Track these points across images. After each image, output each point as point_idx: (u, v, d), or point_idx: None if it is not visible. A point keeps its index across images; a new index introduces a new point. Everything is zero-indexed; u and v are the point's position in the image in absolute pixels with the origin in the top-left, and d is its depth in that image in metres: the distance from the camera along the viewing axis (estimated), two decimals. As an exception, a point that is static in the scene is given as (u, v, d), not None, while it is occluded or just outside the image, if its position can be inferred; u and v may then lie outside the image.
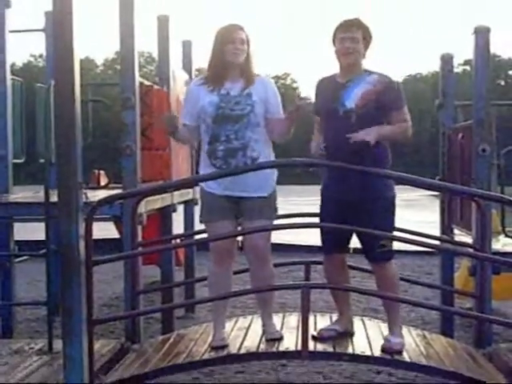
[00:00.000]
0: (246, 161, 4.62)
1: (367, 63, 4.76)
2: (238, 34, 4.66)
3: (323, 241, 4.82)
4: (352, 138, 4.46)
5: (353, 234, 4.70)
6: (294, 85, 69.46)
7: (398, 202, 4.82)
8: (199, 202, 5.05)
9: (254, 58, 4.75)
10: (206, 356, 4.56)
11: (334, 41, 4.73)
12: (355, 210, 4.63)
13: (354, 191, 4.62)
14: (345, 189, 4.65)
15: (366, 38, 4.69)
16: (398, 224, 4.81)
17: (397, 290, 4.80)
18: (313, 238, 4.86)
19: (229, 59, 4.65)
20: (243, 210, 4.72)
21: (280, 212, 4.96)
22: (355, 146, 4.48)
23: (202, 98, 4.70)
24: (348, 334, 4.84)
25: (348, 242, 4.81)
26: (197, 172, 5.11)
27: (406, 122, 4.67)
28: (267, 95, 4.71)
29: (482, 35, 5.44)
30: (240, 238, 4.87)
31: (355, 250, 4.92)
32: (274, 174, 4.78)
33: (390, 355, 4.51)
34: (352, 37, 4.63)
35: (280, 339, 4.70)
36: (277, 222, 4.95)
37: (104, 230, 8.08)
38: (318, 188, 4.88)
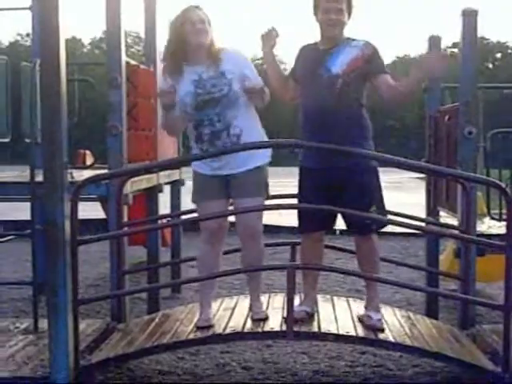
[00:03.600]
0: (230, 140, 4.59)
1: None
2: (196, 13, 4.56)
3: (302, 218, 4.79)
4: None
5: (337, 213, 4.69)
6: (282, 66, 69.16)
7: (384, 184, 4.83)
8: (185, 183, 5.05)
9: (217, 38, 4.63)
10: (192, 336, 4.58)
11: (315, 9, 4.67)
12: (340, 181, 4.60)
13: (337, 161, 4.58)
14: (328, 159, 4.61)
15: (349, 6, 4.64)
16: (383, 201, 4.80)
17: (378, 265, 4.84)
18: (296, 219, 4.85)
19: (190, 40, 4.53)
20: (232, 188, 4.70)
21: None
22: (338, 113, 4.47)
23: (177, 89, 4.59)
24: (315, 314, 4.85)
25: (332, 219, 4.78)
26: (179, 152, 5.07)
27: (393, 85, 4.59)
28: (241, 69, 4.59)
29: (469, 18, 5.42)
30: (232, 218, 4.87)
31: (342, 232, 4.94)
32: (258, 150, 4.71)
33: (375, 335, 4.54)
34: (337, 8, 4.58)
35: (265, 319, 4.72)
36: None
37: (91, 210, 8.08)
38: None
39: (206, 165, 4.68)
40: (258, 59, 67.00)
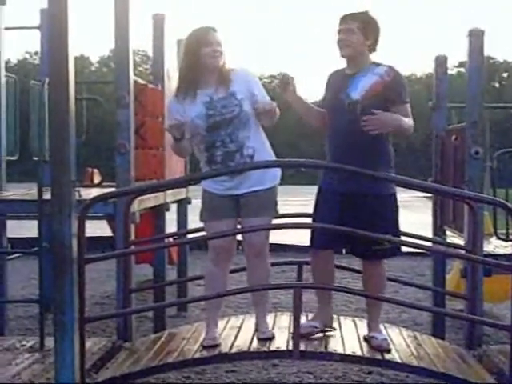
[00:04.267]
0: (244, 160, 4.59)
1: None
2: (214, 36, 4.58)
3: (315, 235, 4.77)
4: (367, 125, 4.40)
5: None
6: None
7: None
8: (192, 201, 5.05)
9: (228, 59, 4.63)
10: (198, 355, 4.56)
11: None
12: (354, 205, 4.59)
13: (353, 185, 4.58)
14: (343, 182, 4.61)
15: (367, 28, 4.62)
16: (398, 227, 4.79)
17: (384, 289, 4.85)
18: (305, 238, 4.86)
19: (207, 62, 4.55)
20: (242, 207, 4.69)
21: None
22: (359, 139, 4.48)
23: (186, 112, 4.60)
24: (329, 331, 4.83)
25: (343, 239, 4.74)
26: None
27: (409, 117, 4.61)
28: (250, 89, 4.61)
29: (476, 38, 5.45)
30: (239, 237, 4.88)
31: (347, 251, 4.93)
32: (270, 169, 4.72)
33: (381, 355, 4.53)
34: (347, 28, 4.60)
35: (271, 338, 4.70)
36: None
37: (98, 228, 8.09)
38: (310, 188, 4.89)
39: (218, 184, 4.67)
40: (266, 77, 67.27)
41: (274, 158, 4.79)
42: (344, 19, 4.64)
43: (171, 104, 4.80)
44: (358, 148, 4.53)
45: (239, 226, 4.83)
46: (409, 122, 4.59)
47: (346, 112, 4.56)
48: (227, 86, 4.59)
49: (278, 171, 4.76)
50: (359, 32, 4.61)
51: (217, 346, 4.64)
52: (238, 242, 4.87)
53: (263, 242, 4.73)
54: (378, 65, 4.64)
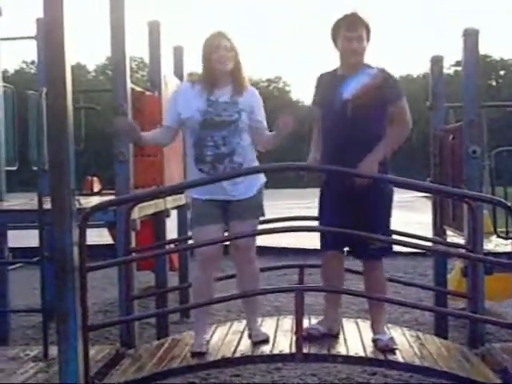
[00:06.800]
0: (232, 166, 4.63)
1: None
2: (222, 41, 4.64)
3: (324, 236, 4.81)
4: (357, 183, 4.53)
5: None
6: (287, 88, 69.49)
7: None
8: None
9: (242, 65, 4.71)
10: (201, 360, 4.58)
11: (335, 36, 4.71)
12: (352, 204, 4.63)
13: (352, 184, 4.61)
14: (344, 181, 4.66)
15: (368, 33, 4.68)
16: (390, 226, 4.83)
17: (386, 290, 4.89)
18: (307, 241, 4.87)
19: (216, 67, 4.65)
20: (229, 213, 4.73)
21: (272, 215, 4.98)
22: (353, 137, 4.52)
23: (191, 102, 4.67)
24: (333, 335, 4.84)
25: (346, 240, 4.76)
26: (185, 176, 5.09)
27: (403, 115, 4.64)
28: (253, 106, 4.71)
29: (471, 37, 5.47)
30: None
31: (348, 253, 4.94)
32: (258, 176, 4.78)
33: (384, 356, 4.54)
34: (358, 36, 4.62)
35: (266, 340, 4.73)
36: (269, 225, 4.99)
37: (98, 235, 8.11)
38: (309, 191, 4.91)
39: (201, 188, 4.69)
40: (263, 81, 67.12)
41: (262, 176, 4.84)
42: (352, 26, 4.63)
43: (181, 87, 4.96)
44: (352, 146, 4.56)
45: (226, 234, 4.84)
46: (392, 134, 4.64)
47: (339, 112, 4.59)
48: (236, 93, 4.68)
49: (260, 181, 4.79)
50: (365, 38, 4.66)
51: (205, 353, 4.64)
52: (225, 246, 4.88)
53: (249, 243, 4.75)
54: (370, 67, 4.69)
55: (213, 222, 4.70)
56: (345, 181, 4.66)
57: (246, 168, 4.69)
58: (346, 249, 4.88)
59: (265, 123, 4.77)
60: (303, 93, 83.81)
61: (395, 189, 4.79)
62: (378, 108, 4.62)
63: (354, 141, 4.56)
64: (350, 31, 4.62)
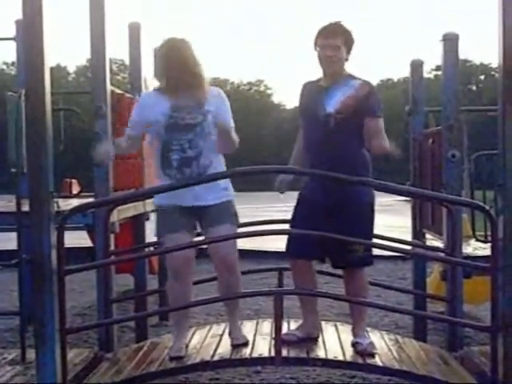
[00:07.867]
0: (199, 170, 4.57)
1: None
2: (175, 46, 4.58)
3: (290, 243, 4.78)
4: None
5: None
6: (268, 91, 69.46)
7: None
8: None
9: (204, 71, 4.63)
10: (180, 364, 4.56)
11: (315, 45, 4.69)
12: (330, 214, 4.62)
13: (333, 194, 4.61)
14: (324, 191, 4.65)
15: (348, 42, 4.66)
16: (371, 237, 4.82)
17: (367, 294, 4.88)
18: (284, 244, 4.86)
19: (178, 76, 4.55)
20: (201, 219, 4.69)
21: (249, 218, 4.96)
22: (335, 150, 4.52)
23: (155, 108, 4.59)
24: (312, 339, 4.84)
25: (318, 248, 4.74)
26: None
27: (379, 131, 4.58)
28: (218, 107, 4.60)
29: (450, 42, 5.50)
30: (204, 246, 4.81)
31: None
32: (227, 180, 4.73)
33: (363, 359, 4.54)
34: (333, 44, 4.60)
35: (247, 343, 4.72)
36: (245, 229, 4.99)
37: (78, 238, 8.06)
38: (289, 194, 4.91)
39: (167, 194, 4.60)
40: (245, 84, 67.07)
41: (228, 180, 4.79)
42: (328, 34, 4.62)
43: (143, 95, 5.00)
44: (334, 159, 4.54)
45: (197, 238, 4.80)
46: (382, 140, 4.59)
47: (320, 124, 4.58)
48: (200, 96, 4.59)
49: (227, 186, 4.72)
50: (343, 47, 4.63)
51: (183, 357, 4.62)
52: (201, 250, 4.83)
53: (230, 251, 4.67)
54: (354, 78, 4.66)
55: (180, 229, 4.62)
56: (325, 192, 4.64)
57: (221, 172, 4.64)
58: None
59: (231, 123, 4.63)
60: (285, 96, 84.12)
61: (376, 193, 4.78)
62: (361, 121, 4.58)
63: (336, 155, 4.55)
64: (327, 39, 4.61)
